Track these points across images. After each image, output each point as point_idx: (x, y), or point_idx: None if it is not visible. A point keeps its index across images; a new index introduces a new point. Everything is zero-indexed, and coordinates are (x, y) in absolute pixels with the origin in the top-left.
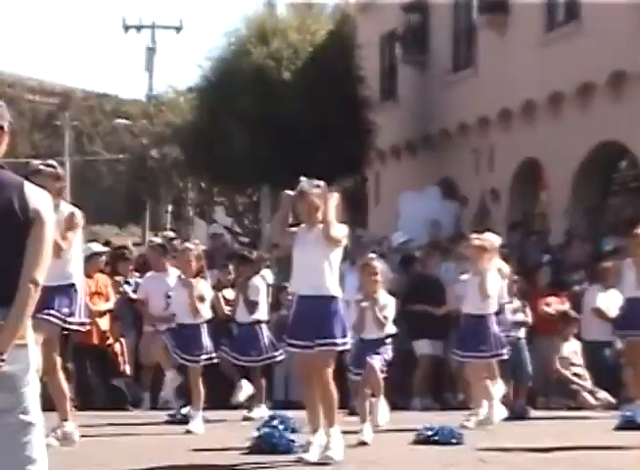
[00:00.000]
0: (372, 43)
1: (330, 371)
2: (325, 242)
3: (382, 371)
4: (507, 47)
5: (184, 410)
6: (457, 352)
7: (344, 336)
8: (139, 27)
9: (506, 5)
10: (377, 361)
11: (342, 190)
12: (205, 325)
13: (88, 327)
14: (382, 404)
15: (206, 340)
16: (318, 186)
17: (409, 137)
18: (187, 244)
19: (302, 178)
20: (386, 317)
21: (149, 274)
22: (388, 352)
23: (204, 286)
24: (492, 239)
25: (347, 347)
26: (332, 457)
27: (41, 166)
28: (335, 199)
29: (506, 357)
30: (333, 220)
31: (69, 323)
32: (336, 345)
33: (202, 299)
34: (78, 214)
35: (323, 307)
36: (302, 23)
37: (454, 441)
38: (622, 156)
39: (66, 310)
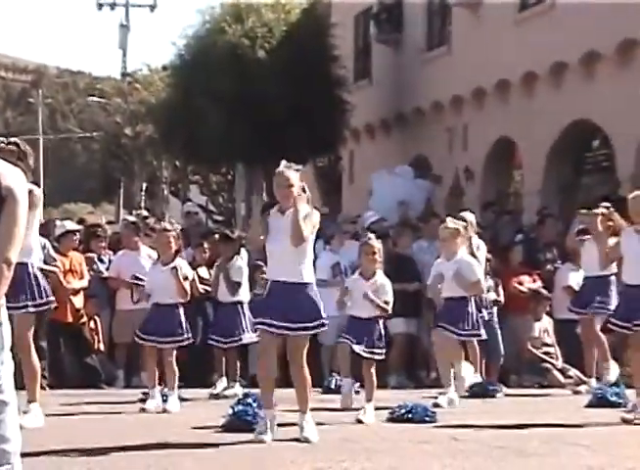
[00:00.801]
0: (346, 22)
1: (304, 354)
2: None
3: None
4: (481, 26)
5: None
6: (437, 328)
7: (317, 319)
8: (112, 5)
9: None
10: None
11: (316, 169)
12: (181, 306)
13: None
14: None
15: (183, 320)
16: (297, 170)
17: (383, 116)
18: (165, 224)
19: (283, 161)
20: (387, 302)
21: (121, 252)
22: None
23: (185, 266)
24: (468, 218)
25: (323, 329)
26: (309, 438)
27: (1, 145)
28: (315, 216)
29: (483, 338)
30: (304, 233)
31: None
32: (307, 328)
33: (186, 279)
34: (37, 192)
35: (296, 293)
36: (277, 2)
37: (427, 418)
38: (595, 135)
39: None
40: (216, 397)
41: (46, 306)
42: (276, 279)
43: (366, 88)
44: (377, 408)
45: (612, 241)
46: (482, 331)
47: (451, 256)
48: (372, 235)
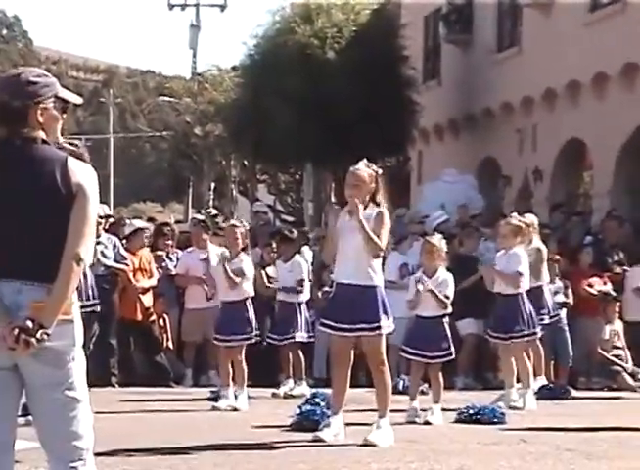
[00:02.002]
0: (416, 22)
1: (382, 354)
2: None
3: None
4: (551, 27)
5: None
6: (490, 333)
7: (388, 319)
8: (183, 6)
9: None
10: None
11: (385, 169)
12: (249, 302)
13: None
14: None
15: (251, 317)
16: (375, 171)
17: (452, 117)
18: (233, 221)
19: (364, 160)
20: (447, 296)
21: (189, 249)
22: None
23: (246, 262)
24: (531, 219)
25: (391, 329)
26: (375, 442)
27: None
28: (386, 218)
29: (539, 336)
30: (380, 243)
31: None
32: (380, 328)
33: (241, 273)
34: None
35: (363, 295)
36: (347, 3)
37: (496, 420)
38: None
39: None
40: (281, 396)
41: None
42: (343, 281)
43: (435, 89)
44: (444, 410)
45: None
46: (537, 329)
47: (508, 250)
48: (437, 235)
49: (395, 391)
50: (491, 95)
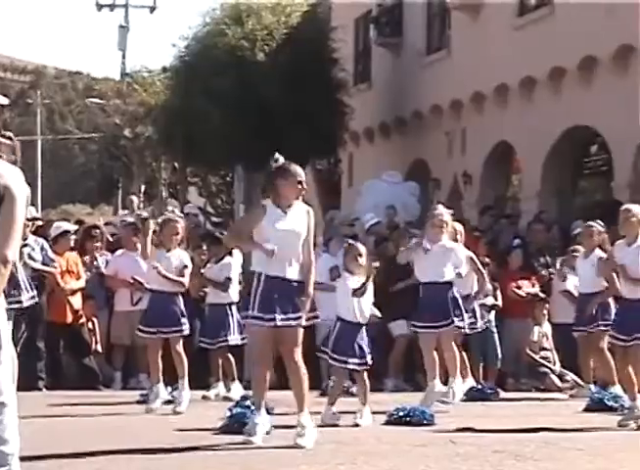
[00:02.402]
0: (347, 25)
1: (297, 351)
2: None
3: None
4: (480, 30)
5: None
6: (415, 324)
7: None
8: (112, 6)
9: None
10: None
11: (315, 171)
12: (180, 295)
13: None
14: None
15: (183, 310)
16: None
17: (383, 119)
18: (169, 215)
19: (277, 154)
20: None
21: (119, 252)
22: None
23: (186, 257)
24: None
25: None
26: (302, 445)
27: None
28: (311, 218)
29: (467, 331)
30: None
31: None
32: (300, 318)
33: (185, 267)
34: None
35: (292, 290)
36: (277, 5)
37: (425, 422)
38: (593, 140)
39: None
40: (212, 398)
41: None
42: (274, 275)
43: (366, 91)
44: (375, 412)
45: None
46: (462, 321)
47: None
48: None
49: (325, 393)
50: (421, 98)
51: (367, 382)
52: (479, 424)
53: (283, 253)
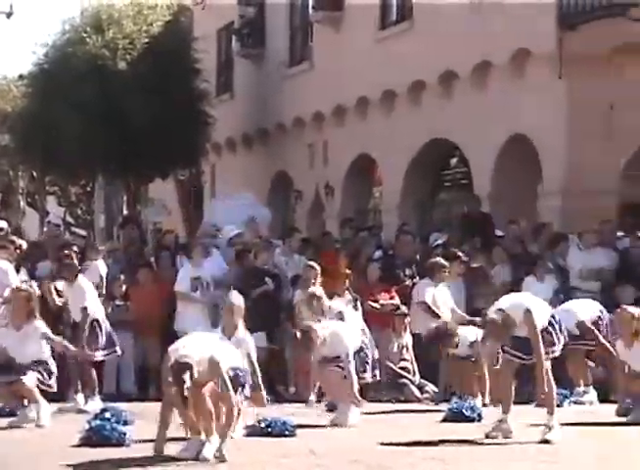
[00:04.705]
0: (209, 36)
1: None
2: None
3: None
4: (342, 43)
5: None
6: None
7: None
8: None
9: (341, 2)
10: None
11: (177, 182)
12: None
13: None
14: None
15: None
16: None
17: (245, 131)
18: (17, 285)
19: None
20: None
21: None
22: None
23: (43, 326)
24: None
25: None
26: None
27: None
28: None
29: None
30: None
31: None
32: None
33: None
34: None
35: None
36: (138, 14)
37: (287, 433)
38: (453, 153)
39: None
40: (70, 411)
41: None
42: None
43: (228, 102)
44: None
45: None
46: None
47: None
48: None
49: None
50: (284, 110)
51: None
52: (339, 435)
53: None
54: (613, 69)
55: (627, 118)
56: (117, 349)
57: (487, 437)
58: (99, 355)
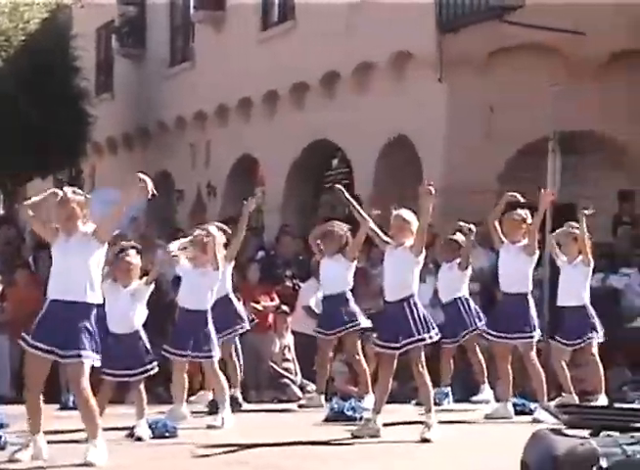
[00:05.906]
0: (88, 34)
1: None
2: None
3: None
4: (224, 44)
5: None
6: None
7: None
8: None
9: (223, 2)
10: None
11: (56, 182)
12: None
13: None
14: None
15: None
16: (80, 194)
17: (126, 130)
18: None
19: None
20: None
21: None
22: None
23: None
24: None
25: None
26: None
27: None
28: None
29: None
30: None
31: None
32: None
33: None
34: None
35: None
36: (14, 10)
37: (168, 434)
38: (334, 154)
39: None
40: None
41: None
42: (54, 298)
43: (108, 102)
44: (114, 429)
45: None
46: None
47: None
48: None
49: (65, 407)
50: (165, 109)
51: (144, 393)
52: (221, 437)
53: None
54: (491, 71)
55: (506, 121)
56: None
57: (354, 436)
58: None
